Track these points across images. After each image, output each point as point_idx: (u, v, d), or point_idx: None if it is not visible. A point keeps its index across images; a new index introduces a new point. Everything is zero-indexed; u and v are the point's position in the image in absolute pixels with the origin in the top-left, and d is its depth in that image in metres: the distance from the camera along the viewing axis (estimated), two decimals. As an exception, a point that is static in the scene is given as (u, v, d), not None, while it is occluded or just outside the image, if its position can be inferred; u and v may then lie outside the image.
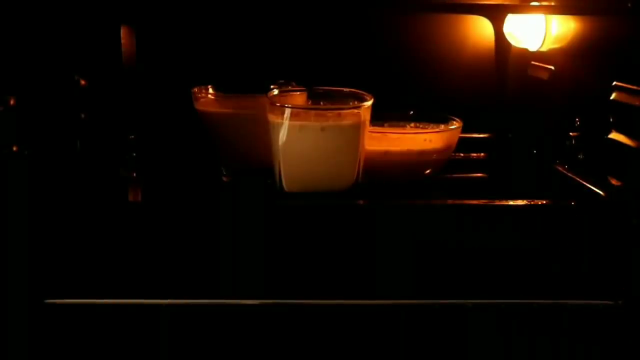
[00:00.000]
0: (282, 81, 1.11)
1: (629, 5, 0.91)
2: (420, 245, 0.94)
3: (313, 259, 0.94)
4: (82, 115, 1.06)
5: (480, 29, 1.24)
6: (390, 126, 1.11)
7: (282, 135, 0.97)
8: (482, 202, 0.98)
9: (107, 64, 1.07)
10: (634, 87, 0.91)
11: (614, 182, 0.95)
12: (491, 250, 0.94)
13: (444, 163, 1.08)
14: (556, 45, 1.13)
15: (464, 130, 1.09)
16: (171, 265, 0.93)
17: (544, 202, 0.98)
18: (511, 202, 0.97)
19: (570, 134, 1.08)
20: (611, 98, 0.95)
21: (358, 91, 1.01)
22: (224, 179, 1.10)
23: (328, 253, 0.94)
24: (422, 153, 1.04)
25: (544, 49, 1.15)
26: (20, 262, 0.89)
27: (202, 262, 0.94)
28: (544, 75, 1.16)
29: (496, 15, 1.13)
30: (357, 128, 0.97)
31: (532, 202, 0.98)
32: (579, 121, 1.07)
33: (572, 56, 1.09)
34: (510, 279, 0.93)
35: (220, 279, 0.92)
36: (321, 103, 1.04)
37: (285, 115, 0.96)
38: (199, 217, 0.95)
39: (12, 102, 0.93)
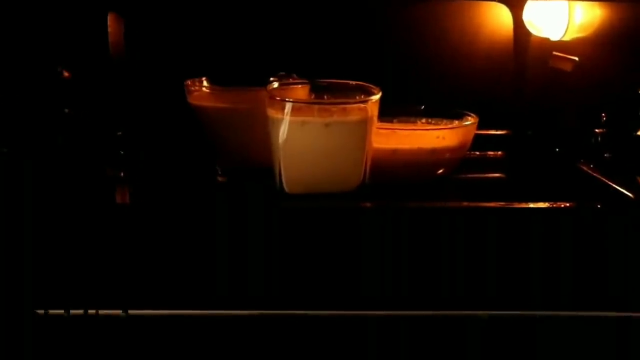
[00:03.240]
0: (282, 73, 1.09)
1: (660, -10, 0.92)
2: (431, 251, 0.92)
3: (316, 265, 0.92)
4: (66, 110, 1.06)
5: (497, 16, 1.23)
6: (399, 122, 1.09)
7: (283, 132, 0.95)
8: (499, 204, 0.96)
9: (93, 55, 1.07)
10: (667, 80, 0.92)
11: (643, 183, 0.95)
12: (510, 256, 0.92)
13: (458, 162, 1.06)
14: (580, 34, 1.13)
15: (479, 127, 1.07)
16: (162, 273, 0.91)
17: (567, 204, 0.96)
18: (531, 205, 0.95)
19: (596, 130, 1.08)
20: (641, 91, 0.94)
21: (365, 84, 0.99)
22: (220, 179, 1.09)
23: (332, 259, 0.91)
24: (434, 151, 1.03)
25: (566, 38, 1.15)
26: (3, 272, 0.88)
27: (195, 270, 0.91)
28: (567, 67, 1.15)
29: (514, 1, 1.13)
30: (363, 124, 0.96)
31: (554, 205, 0.95)
32: (605, 117, 1.06)
33: (597, 46, 1.09)
34: (531, 287, 0.91)
35: (215, 288, 0.90)
36: (325, 97, 1.03)
37: (286, 111, 0.94)
38: (191, 220, 0.93)
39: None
